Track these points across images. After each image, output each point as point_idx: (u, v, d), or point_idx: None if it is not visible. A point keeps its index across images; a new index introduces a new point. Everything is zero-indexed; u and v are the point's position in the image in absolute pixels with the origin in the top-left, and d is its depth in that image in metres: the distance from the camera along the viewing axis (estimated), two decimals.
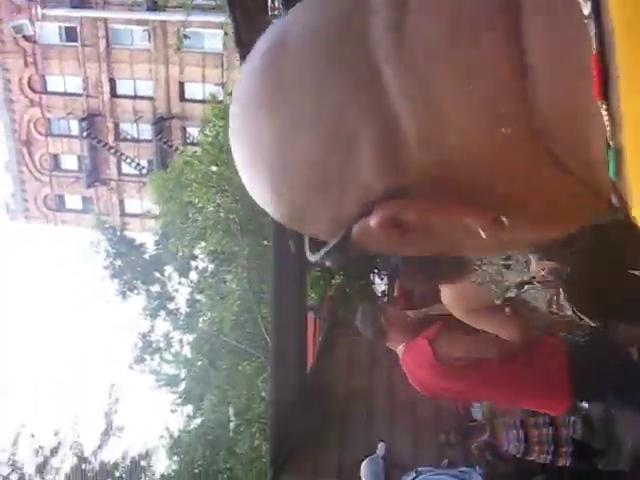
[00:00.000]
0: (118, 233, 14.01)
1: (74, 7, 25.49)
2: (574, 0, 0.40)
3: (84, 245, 15.67)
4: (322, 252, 0.54)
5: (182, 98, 27.36)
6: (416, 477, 4.52)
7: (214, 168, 8.79)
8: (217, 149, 8.88)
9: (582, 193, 0.48)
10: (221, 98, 11.88)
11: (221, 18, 15.34)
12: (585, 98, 0.41)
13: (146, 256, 13.43)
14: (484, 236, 0.49)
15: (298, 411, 6.40)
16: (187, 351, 13.55)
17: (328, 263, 0.55)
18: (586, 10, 0.39)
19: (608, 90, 0.40)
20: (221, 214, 9.14)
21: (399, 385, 7.09)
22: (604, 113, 0.41)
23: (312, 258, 0.57)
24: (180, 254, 10.85)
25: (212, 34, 25.03)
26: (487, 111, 0.45)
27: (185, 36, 12.67)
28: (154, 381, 17.78)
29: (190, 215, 10.04)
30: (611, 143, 0.41)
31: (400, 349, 3.40)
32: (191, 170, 9.23)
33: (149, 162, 27.11)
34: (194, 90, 27.08)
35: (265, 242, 10.24)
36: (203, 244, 9.97)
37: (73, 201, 29.49)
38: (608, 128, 0.41)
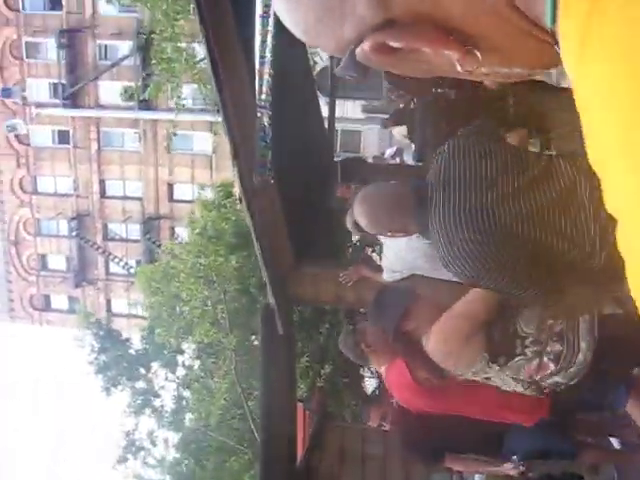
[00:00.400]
0: (104, 327, 13.82)
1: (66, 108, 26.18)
2: None
3: (68, 342, 15.41)
4: (339, 67, 0.63)
5: (171, 199, 27.74)
6: None
7: (202, 260, 8.78)
8: (205, 239, 8.90)
9: (541, 38, 0.56)
10: (210, 195, 11.99)
11: (210, 118, 15.74)
12: None
13: (132, 351, 13.19)
14: (459, 68, 0.58)
15: None
16: (172, 451, 13.07)
17: (347, 74, 0.64)
18: None
19: None
20: (209, 306, 9.05)
21: (392, 477, 6.82)
22: None
23: (336, 72, 0.67)
24: (167, 346, 10.65)
25: (201, 136, 25.68)
26: None
27: (174, 134, 12.94)
28: None
29: (177, 307, 9.93)
30: None
31: (383, 370, 3.51)
32: (179, 262, 9.22)
33: (137, 262, 27.12)
34: (183, 191, 27.50)
35: (253, 337, 10.11)
36: (190, 337, 9.82)
37: (59, 301, 29.27)
38: None
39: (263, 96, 4.73)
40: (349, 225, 4.28)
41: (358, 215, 2.60)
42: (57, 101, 25.88)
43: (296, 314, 8.56)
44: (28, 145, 27.02)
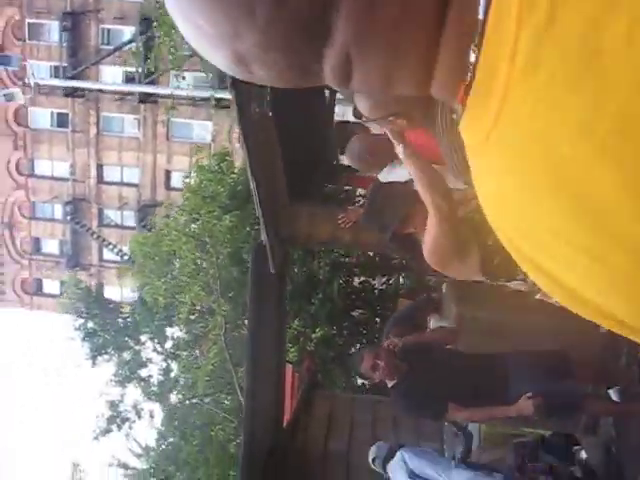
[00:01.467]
0: (93, 294, 13.53)
1: (67, 96, 25.99)
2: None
3: (58, 326, 15.11)
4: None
5: (168, 186, 27.49)
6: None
7: (194, 225, 8.56)
8: (199, 199, 8.70)
9: None
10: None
11: (212, 95, 15.48)
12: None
13: (120, 320, 12.90)
14: None
15: (272, 472, 5.92)
16: (157, 424, 12.79)
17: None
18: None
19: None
20: (200, 267, 8.83)
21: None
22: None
23: None
24: (156, 311, 10.40)
25: (200, 125, 25.52)
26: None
27: (173, 107, 12.76)
28: (122, 476, 16.85)
29: (168, 268, 9.70)
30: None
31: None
32: (172, 221, 9.00)
33: (133, 261, 26.85)
34: (180, 179, 27.24)
35: (244, 315, 9.90)
36: (180, 298, 9.57)
37: (51, 285, 28.99)
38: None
39: None
40: (349, 155, 4.11)
41: (361, 95, 2.42)
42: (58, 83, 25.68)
43: (289, 284, 8.39)
44: (26, 127, 26.80)
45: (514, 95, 0.58)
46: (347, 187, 7.56)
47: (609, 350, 4.68)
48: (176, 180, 26.93)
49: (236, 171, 9.03)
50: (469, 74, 0.62)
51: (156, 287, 9.79)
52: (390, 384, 4.21)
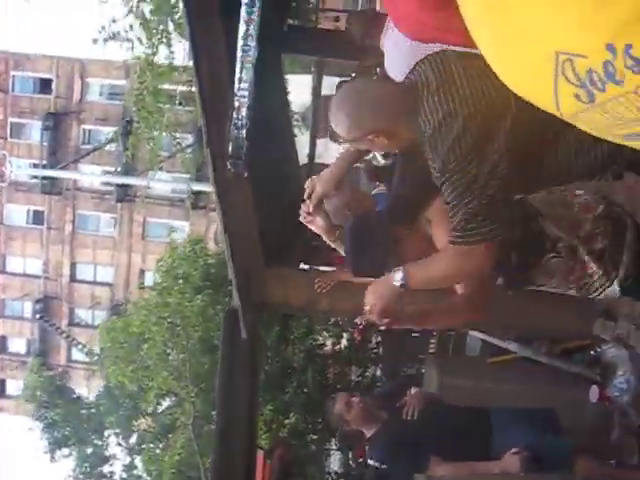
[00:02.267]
0: (56, 383, 12.98)
1: (44, 193, 26.09)
2: None
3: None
4: None
5: (141, 286, 27.18)
6: None
7: (167, 299, 8.32)
8: (171, 279, 8.52)
9: None
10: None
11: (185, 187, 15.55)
12: None
13: (84, 411, 12.29)
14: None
15: None
16: None
17: None
18: None
19: None
20: (169, 350, 8.52)
21: None
22: None
23: None
24: (121, 395, 9.93)
25: (178, 225, 25.58)
26: None
27: (147, 197, 12.75)
28: None
29: (137, 354, 9.32)
30: None
31: None
32: (144, 301, 8.75)
33: (101, 349, 26.19)
34: (154, 279, 26.91)
35: (214, 412, 9.49)
36: (147, 383, 9.13)
37: (15, 387, 27.94)
38: None
39: (243, 85, 4.56)
40: None
41: (336, 115, 2.30)
42: (36, 181, 25.82)
43: (262, 374, 8.10)
44: (0, 223, 26.70)
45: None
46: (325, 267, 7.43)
47: (600, 423, 4.46)
48: (150, 280, 26.71)
49: (210, 253, 8.94)
50: None
51: (123, 371, 9.40)
52: (368, 433, 3.94)
